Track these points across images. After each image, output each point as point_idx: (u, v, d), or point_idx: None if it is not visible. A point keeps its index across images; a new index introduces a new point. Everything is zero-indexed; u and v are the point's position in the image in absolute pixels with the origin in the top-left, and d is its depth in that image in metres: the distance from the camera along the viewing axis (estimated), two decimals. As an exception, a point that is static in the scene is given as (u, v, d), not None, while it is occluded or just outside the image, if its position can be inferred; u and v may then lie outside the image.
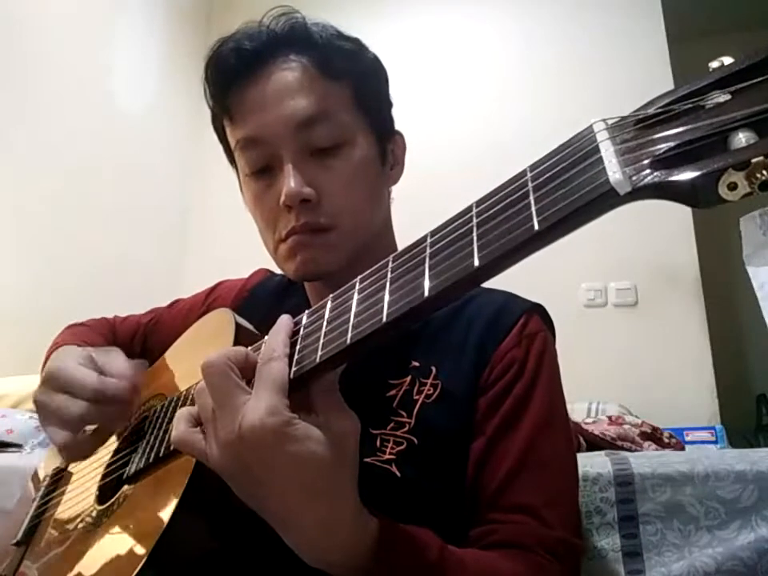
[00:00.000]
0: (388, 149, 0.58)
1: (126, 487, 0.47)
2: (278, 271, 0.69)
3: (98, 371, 0.48)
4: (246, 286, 0.68)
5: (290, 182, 0.50)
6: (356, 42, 0.56)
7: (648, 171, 0.22)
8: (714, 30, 2.34)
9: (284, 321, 0.36)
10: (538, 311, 0.53)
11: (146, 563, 0.37)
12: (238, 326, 0.48)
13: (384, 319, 0.29)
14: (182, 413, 0.36)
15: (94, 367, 0.48)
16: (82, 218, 1.74)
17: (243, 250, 1.45)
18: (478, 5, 2.12)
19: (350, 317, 0.32)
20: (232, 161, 0.59)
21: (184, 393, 0.47)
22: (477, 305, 0.53)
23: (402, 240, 0.54)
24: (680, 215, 1.72)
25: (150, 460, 0.44)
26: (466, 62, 2.09)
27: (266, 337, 0.36)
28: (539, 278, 1.55)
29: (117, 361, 0.49)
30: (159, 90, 2.14)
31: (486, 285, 0.57)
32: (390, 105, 0.59)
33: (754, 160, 0.20)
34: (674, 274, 1.70)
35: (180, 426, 0.35)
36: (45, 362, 0.62)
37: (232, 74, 0.53)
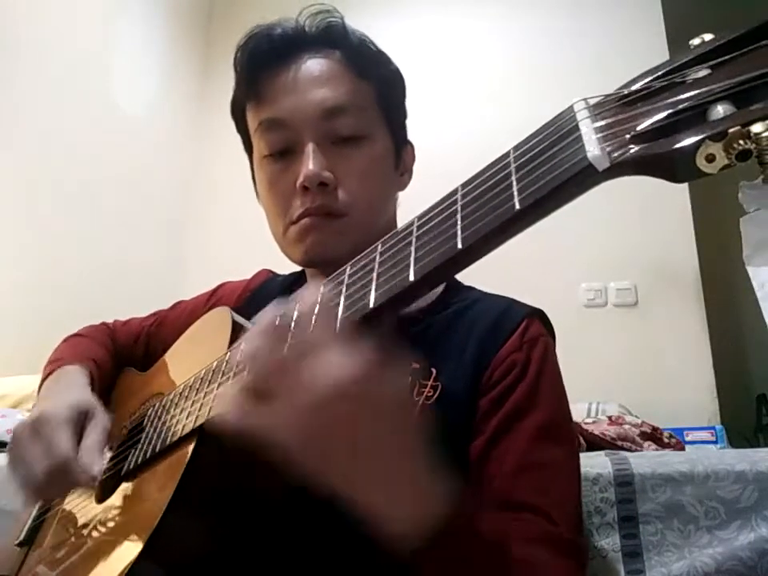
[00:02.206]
0: (401, 154, 0.59)
1: (124, 484, 0.48)
2: (280, 271, 0.69)
3: (79, 436, 0.48)
4: (249, 287, 0.68)
5: (309, 163, 0.51)
6: (383, 52, 0.59)
7: (627, 147, 0.22)
8: (713, 30, 2.34)
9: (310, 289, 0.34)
10: (538, 316, 0.54)
11: (141, 557, 0.37)
12: (234, 323, 0.48)
13: (371, 305, 0.29)
14: (228, 386, 0.32)
15: (80, 427, 0.49)
16: (82, 217, 1.74)
17: (244, 250, 1.46)
18: (478, 5, 2.13)
19: (339, 301, 0.32)
20: (248, 147, 0.60)
21: (181, 389, 0.47)
22: (478, 309, 0.53)
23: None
24: (680, 215, 1.72)
25: (147, 456, 0.45)
26: (466, 62, 2.09)
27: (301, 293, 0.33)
28: (539, 278, 1.56)
29: (95, 442, 0.48)
30: (160, 89, 2.14)
31: (487, 284, 0.57)
32: (406, 115, 0.62)
33: (731, 130, 0.20)
34: (674, 274, 1.69)
35: (226, 399, 0.31)
36: (42, 381, 0.62)
37: (264, 57, 0.55)
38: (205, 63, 2.29)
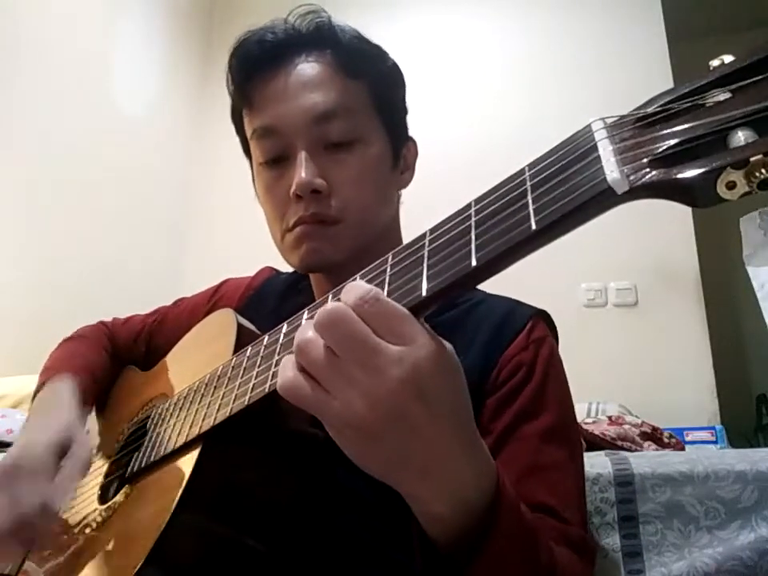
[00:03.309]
0: (401, 153, 0.59)
1: (127, 486, 0.48)
2: (283, 269, 0.69)
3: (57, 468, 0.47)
4: (252, 284, 0.68)
5: (301, 172, 0.51)
6: (378, 47, 0.58)
7: (646, 170, 0.21)
8: (713, 29, 2.34)
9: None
10: (543, 317, 0.54)
11: (146, 562, 0.37)
12: (239, 326, 0.48)
13: None
14: (289, 359, 0.31)
15: (58, 460, 0.48)
16: (82, 217, 1.74)
17: (243, 249, 1.46)
18: (479, 5, 2.12)
19: None
20: (247, 152, 0.60)
21: (185, 392, 0.47)
22: (483, 310, 0.54)
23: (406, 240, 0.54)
24: (680, 215, 1.72)
25: (152, 459, 0.45)
26: (466, 62, 2.09)
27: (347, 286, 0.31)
28: (539, 278, 1.55)
29: (67, 479, 0.46)
30: (160, 90, 2.14)
31: (488, 285, 0.57)
32: (405, 111, 0.61)
33: (752, 158, 0.19)
34: (674, 274, 1.69)
35: (287, 372, 0.30)
36: (36, 392, 0.61)
37: (255, 64, 0.55)
38: (205, 63, 2.28)
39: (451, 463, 0.31)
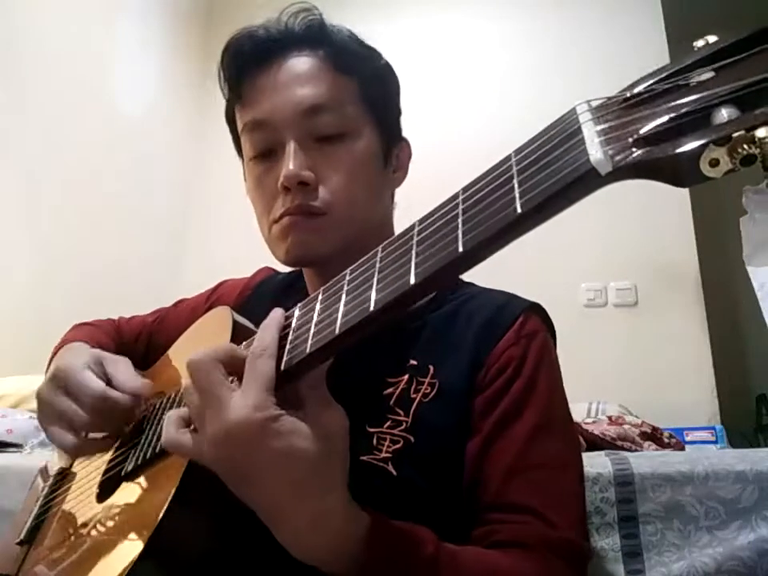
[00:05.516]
0: (393, 152, 0.59)
1: (124, 484, 0.48)
2: (281, 269, 0.69)
3: (105, 379, 0.50)
4: (249, 284, 0.68)
5: (289, 163, 0.51)
6: (370, 48, 0.58)
7: (630, 151, 0.21)
8: (713, 30, 2.34)
9: (276, 315, 0.37)
10: (537, 311, 0.53)
11: (142, 557, 0.37)
12: (234, 323, 0.48)
13: (372, 308, 0.30)
14: (171, 415, 0.36)
15: (101, 373, 0.50)
16: (82, 217, 1.74)
17: (243, 249, 1.46)
18: (479, 4, 2.13)
19: (339, 307, 0.32)
20: (239, 151, 0.60)
21: (174, 392, 0.47)
22: (475, 305, 0.53)
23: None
24: (680, 215, 1.72)
25: (147, 456, 0.45)
26: (467, 62, 2.09)
27: (258, 331, 0.36)
28: (539, 278, 1.55)
29: (125, 372, 0.50)
30: (159, 90, 2.14)
31: (487, 284, 0.57)
32: (398, 111, 0.61)
33: (735, 134, 0.19)
34: (674, 273, 1.69)
35: (170, 428, 0.36)
36: (51, 359, 0.63)
37: (246, 59, 0.55)
38: (203, 63, 2.29)
39: (293, 517, 0.34)
